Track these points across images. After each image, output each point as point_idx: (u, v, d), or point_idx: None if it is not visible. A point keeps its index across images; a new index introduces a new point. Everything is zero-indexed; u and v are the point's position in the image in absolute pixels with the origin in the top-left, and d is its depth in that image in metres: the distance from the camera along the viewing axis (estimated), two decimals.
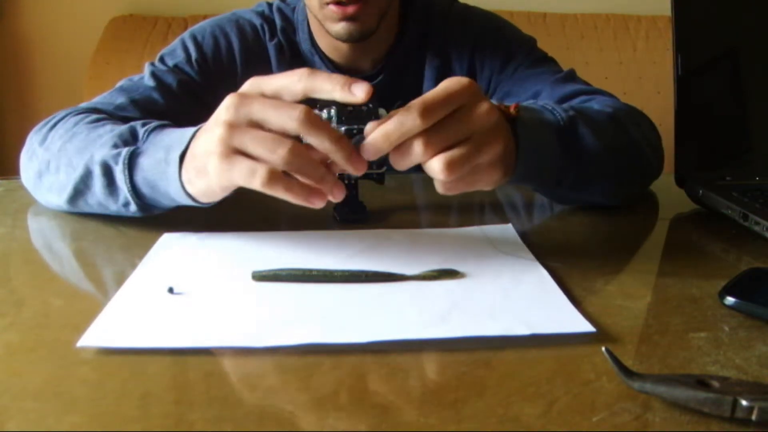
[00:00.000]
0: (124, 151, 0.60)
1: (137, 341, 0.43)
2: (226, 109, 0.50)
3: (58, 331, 0.46)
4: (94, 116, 0.71)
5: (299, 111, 0.48)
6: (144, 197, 0.61)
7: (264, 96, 0.50)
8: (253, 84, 0.51)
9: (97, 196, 0.63)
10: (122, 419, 0.36)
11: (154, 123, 0.63)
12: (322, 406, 0.38)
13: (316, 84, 0.49)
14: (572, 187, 0.68)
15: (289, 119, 0.48)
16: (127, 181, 0.60)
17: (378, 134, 0.50)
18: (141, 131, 0.62)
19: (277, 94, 0.50)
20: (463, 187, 0.53)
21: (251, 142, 0.49)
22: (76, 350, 0.42)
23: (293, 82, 0.49)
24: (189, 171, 0.55)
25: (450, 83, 0.51)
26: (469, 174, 0.52)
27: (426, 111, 0.49)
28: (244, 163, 0.49)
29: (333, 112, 0.53)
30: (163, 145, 0.59)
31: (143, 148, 0.60)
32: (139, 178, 0.60)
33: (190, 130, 0.57)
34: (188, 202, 0.58)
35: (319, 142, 0.49)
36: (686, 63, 0.77)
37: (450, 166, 0.50)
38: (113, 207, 0.63)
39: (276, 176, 0.49)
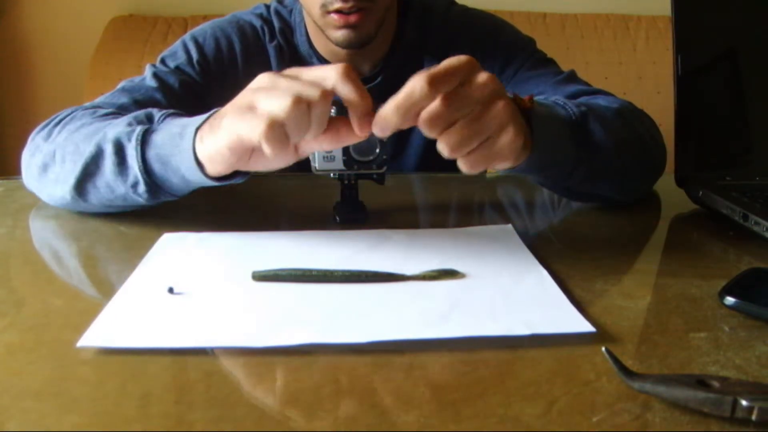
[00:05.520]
0: (138, 129, 0.61)
1: (137, 341, 0.43)
2: (257, 80, 0.51)
3: (58, 331, 0.46)
4: (104, 111, 0.72)
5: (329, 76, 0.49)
6: (154, 175, 0.61)
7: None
8: (290, 70, 0.52)
9: (106, 177, 0.63)
10: (122, 419, 0.36)
11: (172, 111, 0.64)
12: (321, 406, 0.38)
13: (345, 90, 0.49)
14: (584, 179, 0.68)
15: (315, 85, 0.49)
16: (139, 157, 0.60)
17: (388, 105, 0.49)
18: (158, 115, 0.63)
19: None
20: (482, 160, 0.52)
21: (263, 96, 0.50)
22: (76, 350, 0.42)
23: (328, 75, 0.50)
24: (203, 131, 0.56)
25: (450, 60, 0.51)
26: (483, 147, 0.52)
27: (432, 79, 0.49)
28: (249, 116, 0.50)
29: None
30: (179, 123, 0.59)
31: (158, 127, 0.61)
32: (152, 153, 0.60)
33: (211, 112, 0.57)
34: (198, 177, 0.58)
35: (348, 93, 0.50)
36: (686, 63, 0.77)
37: (455, 145, 0.50)
38: (121, 188, 0.63)
39: (275, 131, 0.49)
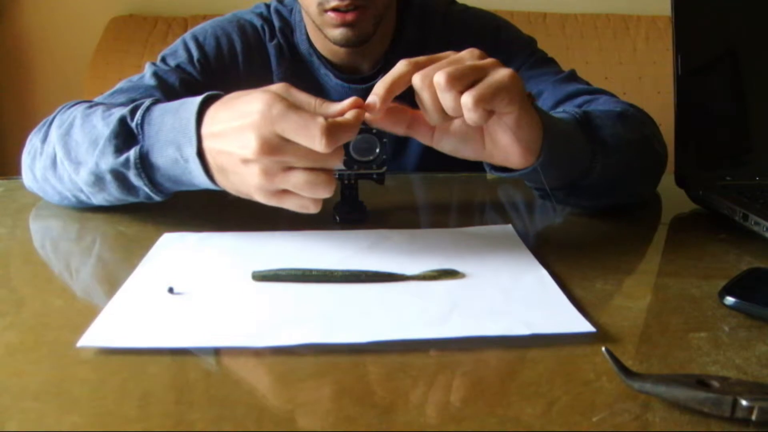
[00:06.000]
0: (132, 155, 0.60)
1: (137, 341, 0.43)
2: (258, 150, 0.50)
3: (58, 331, 0.46)
4: (87, 103, 0.71)
5: (321, 140, 0.49)
6: (166, 189, 0.62)
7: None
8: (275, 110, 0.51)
9: (114, 195, 0.64)
10: (122, 419, 0.36)
11: (140, 111, 0.62)
12: (321, 406, 0.38)
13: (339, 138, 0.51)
14: (600, 176, 0.66)
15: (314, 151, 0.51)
16: (147, 183, 0.61)
17: (377, 86, 0.53)
18: (133, 126, 0.61)
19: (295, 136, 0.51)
20: (483, 91, 0.51)
21: (282, 183, 0.52)
22: (76, 350, 0.42)
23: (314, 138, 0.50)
24: (223, 182, 0.57)
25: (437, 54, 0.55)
26: (483, 80, 0.52)
27: (413, 60, 0.53)
28: (293, 200, 0.54)
29: None
30: (168, 140, 0.58)
31: (147, 145, 0.60)
32: (158, 176, 0.60)
33: (187, 118, 0.57)
34: (216, 188, 0.59)
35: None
36: (686, 63, 0.77)
37: (452, 72, 0.51)
38: (134, 200, 0.65)
39: (319, 203, 0.54)
